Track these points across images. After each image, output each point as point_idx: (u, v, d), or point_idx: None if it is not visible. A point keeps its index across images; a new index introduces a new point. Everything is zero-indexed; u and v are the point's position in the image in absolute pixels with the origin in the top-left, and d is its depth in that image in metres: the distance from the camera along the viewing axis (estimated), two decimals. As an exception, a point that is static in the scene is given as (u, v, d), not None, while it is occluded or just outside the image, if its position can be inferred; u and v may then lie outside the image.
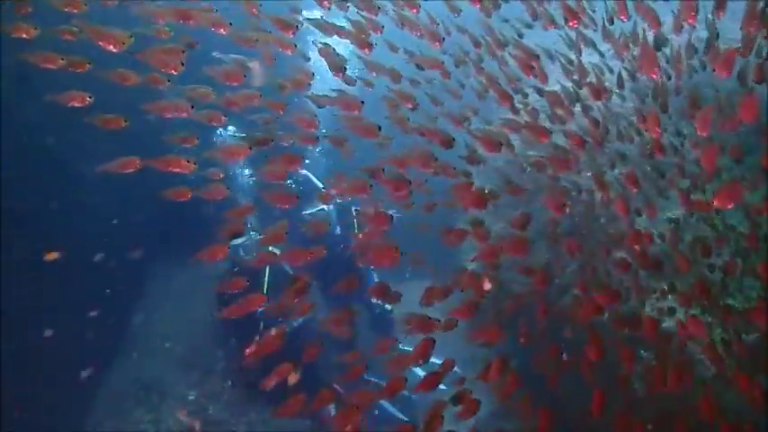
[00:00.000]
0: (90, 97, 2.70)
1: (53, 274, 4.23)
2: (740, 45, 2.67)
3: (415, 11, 3.32)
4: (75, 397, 4.48)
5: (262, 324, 4.42)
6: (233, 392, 4.61)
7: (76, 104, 2.67)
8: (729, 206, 2.43)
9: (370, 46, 3.14)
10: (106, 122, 2.71)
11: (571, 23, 3.19)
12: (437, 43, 3.37)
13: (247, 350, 4.34)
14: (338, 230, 4.86)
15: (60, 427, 4.33)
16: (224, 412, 4.45)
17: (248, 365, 4.35)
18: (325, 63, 3.11)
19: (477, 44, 3.70)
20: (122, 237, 4.74)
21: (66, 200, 4.49)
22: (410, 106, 3.20)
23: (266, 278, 4.50)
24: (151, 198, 4.69)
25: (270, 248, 4.53)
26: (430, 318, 2.70)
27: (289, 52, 3.08)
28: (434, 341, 2.70)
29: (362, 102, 3.00)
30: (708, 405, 2.50)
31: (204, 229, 4.90)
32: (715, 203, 2.41)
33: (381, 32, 3.25)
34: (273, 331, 2.96)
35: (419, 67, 3.43)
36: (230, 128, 4.83)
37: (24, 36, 2.58)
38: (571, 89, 3.51)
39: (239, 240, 4.60)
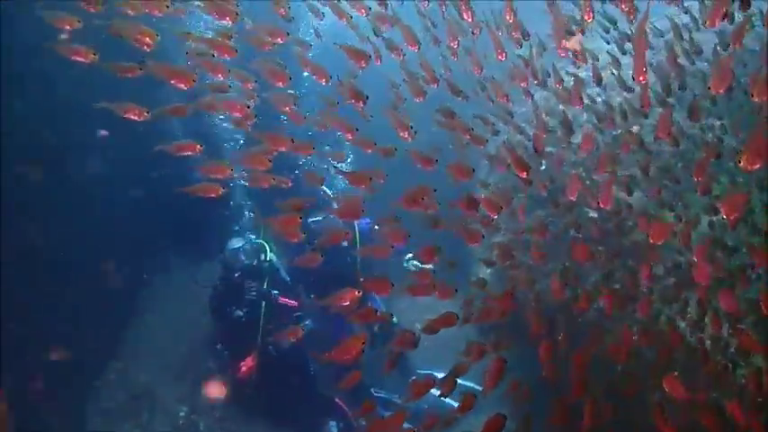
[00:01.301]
0: (147, 112, 2.60)
1: (46, 277, 4.09)
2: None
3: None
4: (65, 407, 4.25)
5: (259, 337, 4.16)
6: (225, 408, 4.34)
7: (133, 117, 2.59)
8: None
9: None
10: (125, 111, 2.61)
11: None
12: (501, 56, 3.19)
13: (243, 365, 4.11)
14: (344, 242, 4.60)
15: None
16: (215, 429, 4.17)
17: (242, 381, 4.11)
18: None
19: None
20: (117, 242, 4.55)
21: (61, 203, 4.29)
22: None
23: (265, 284, 4.25)
24: (146, 204, 4.63)
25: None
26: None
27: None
28: (506, 361, 2.70)
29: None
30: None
31: (198, 236, 4.84)
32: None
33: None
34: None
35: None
36: None
37: (68, 27, 2.54)
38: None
39: (240, 243, 4.39)
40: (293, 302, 4.35)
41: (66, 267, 4.19)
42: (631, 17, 2.63)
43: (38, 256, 4.14)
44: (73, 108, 4.06)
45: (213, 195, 2.74)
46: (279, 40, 2.85)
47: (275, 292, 4.28)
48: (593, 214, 3.68)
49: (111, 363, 4.62)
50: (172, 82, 2.54)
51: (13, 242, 3.97)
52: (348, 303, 2.75)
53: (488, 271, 4.41)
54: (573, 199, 2.89)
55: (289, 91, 2.94)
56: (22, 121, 4.02)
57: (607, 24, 3.40)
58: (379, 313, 3.45)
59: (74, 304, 4.20)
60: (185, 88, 2.54)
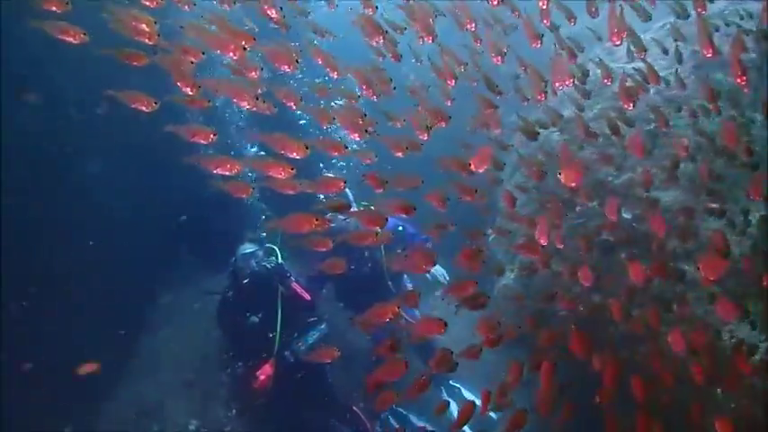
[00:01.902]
0: (156, 102, 2.46)
1: (54, 288, 4.00)
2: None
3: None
4: (76, 422, 4.15)
5: (276, 346, 3.96)
6: (237, 421, 4.17)
7: (142, 108, 2.47)
8: None
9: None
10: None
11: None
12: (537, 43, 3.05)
13: (260, 373, 3.90)
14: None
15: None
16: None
17: (260, 390, 3.90)
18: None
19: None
20: (126, 253, 4.44)
21: (67, 214, 4.21)
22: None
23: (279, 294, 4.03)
24: (155, 215, 4.48)
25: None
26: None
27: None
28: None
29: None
30: None
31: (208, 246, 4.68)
32: None
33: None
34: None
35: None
36: None
37: (54, 9, 2.36)
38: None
39: (252, 249, 4.18)
40: (306, 295, 4.13)
41: (76, 280, 4.08)
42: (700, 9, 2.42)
43: (47, 269, 4.03)
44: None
45: (243, 195, 2.59)
46: (272, 13, 2.74)
47: (289, 274, 4.09)
48: (628, 215, 3.48)
49: (122, 377, 4.50)
50: (178, 84, 2.37)
51: (22, 255, 3.87)
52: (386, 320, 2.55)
53: (511, 276, 4.21)
54: (614, 219, 2.71)
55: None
56: (27, 129, 3.92)
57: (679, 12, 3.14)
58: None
59: (85, 318, 4.10)
60: (191, 93, 2.37)
